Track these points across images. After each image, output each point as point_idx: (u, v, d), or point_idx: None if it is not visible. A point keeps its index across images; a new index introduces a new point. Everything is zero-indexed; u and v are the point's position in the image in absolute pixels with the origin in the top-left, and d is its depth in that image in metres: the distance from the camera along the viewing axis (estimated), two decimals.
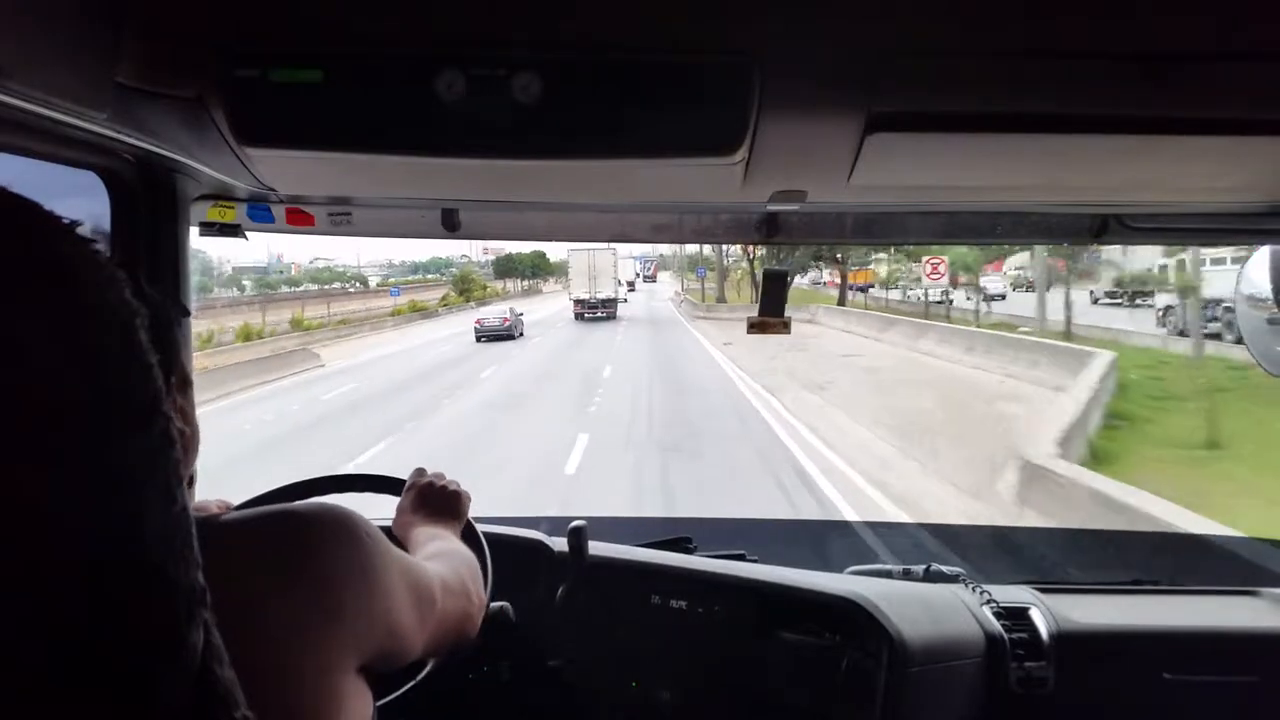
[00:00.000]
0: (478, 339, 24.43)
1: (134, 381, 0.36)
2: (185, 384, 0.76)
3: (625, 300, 40.69)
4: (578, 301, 33.10)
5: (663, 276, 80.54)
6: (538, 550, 1.53)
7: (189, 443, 0.75)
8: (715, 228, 1.38)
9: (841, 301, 30.22)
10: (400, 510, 1.10)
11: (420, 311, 44.25)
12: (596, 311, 32.22)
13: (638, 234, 1.39)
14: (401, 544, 0.96)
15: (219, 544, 0.61)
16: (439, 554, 0.93)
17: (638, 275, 65.66)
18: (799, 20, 0.74)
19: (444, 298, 54.73)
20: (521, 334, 25.06)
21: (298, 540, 0.64)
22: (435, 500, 1.11)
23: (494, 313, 25.97)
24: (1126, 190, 1.13)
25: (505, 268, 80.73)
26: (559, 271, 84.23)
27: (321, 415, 12.75)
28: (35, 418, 0.31)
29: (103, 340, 0.35)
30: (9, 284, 0.32)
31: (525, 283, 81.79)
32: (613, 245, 28.79)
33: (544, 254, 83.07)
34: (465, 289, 57.90)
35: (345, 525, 0.67)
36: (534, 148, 0.80)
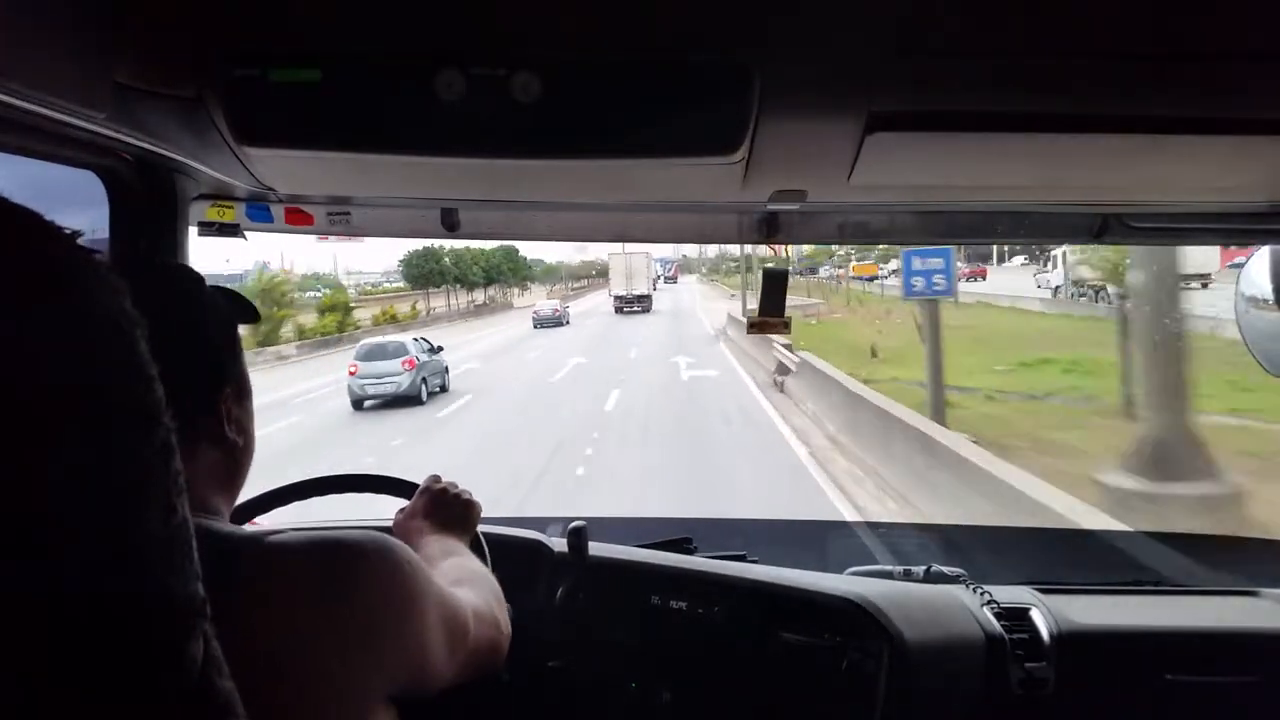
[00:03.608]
0: (535, 326, 29.99)
1: (134, 391, 0.36)
2: (242, 393, 0.76)
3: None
4: (617, 297, 39.94)
5: (686, 280, 70.19)
6: (537, 551, 1.52)
7: (241, 453, 0.75)
8: (715, 227, 1.38)
9: None
10: (410, 513, 1.09)
11: None
12: (633, 306, 38.63)
13: (638, 234, 1.39)
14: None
15: (263, 566, 0.63)
16: (467, 579, 0.92)
17: (659, 276, 63.13)
18: (799, 20, 0.74)
19: None
20: (568, 321, 32.10)
21: (342, 570, 0.65)
22: (447, 509, 1.09)
23: (546, 305, 33.90)
24: (1127, 190, 1.13)
25: (422, 270, 40.80)
26: (553, 276, 72.71)
27: None
28: (33, 427, 0.31)
29: (103, 350, 0.35)
30: (9, 293, 0.32)
31: (479, 295, 46.03)
32: (645, 248, 37.78)
33: (515, 249, 47.35)
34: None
35: (390, 558, 0.69)
36: (534, 148, 0.80)
